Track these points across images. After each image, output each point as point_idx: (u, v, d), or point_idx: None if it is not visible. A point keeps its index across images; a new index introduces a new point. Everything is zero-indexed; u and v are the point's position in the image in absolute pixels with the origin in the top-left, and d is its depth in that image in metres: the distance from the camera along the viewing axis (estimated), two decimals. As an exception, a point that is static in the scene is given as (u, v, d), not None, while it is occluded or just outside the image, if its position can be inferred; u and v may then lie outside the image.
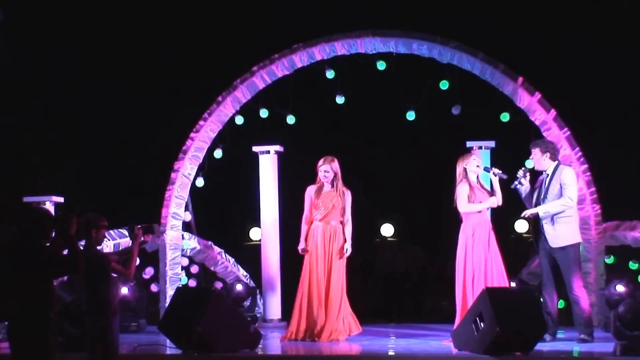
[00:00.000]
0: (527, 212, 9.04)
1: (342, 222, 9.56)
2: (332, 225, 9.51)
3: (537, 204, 9.05)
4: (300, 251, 9.56)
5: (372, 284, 14.14)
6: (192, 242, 11.80)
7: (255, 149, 11.59)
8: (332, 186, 9.52)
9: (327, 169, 9.50)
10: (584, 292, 9.09)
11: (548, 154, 9.09)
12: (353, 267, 13.12)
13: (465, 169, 9.12)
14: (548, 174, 9.08)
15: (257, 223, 12.04)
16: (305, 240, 9.53)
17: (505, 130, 11.01)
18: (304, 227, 9.60)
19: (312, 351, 8.78)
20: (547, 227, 8.96)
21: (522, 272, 11.04)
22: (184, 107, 12.26)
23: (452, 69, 11.08)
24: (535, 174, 9.28)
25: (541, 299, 9.13)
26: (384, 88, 11.43)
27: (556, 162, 9.14)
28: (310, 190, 9.57)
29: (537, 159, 9.13)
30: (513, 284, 10.22)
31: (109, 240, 11.01)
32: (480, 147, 10.82)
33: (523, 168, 9.21)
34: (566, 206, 8.94)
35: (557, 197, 8.97)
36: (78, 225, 6.73)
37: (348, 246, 9.51)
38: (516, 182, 9.13)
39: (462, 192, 9.05)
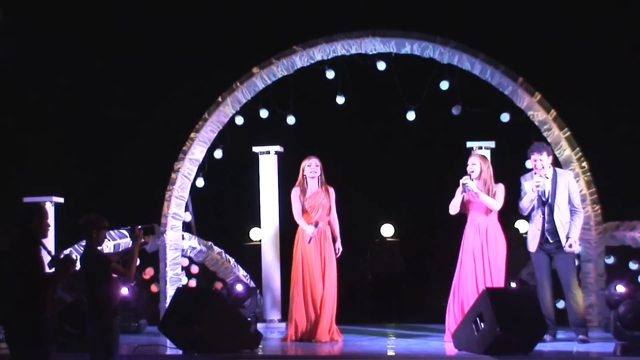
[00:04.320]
0: (577, 248, 9.21)
1: (329, 222, 9.58)
2: (319, 227, 9.52)
3: (544, 209, 9.06)
4: (313, 234, 9.38)
5: (371, 283, 14.13)
6: (192, 242, 11.80)
7: (255, 149, 11.59)
8: (318, 184, 9.53)
9: (317, 163, 9.52)
10: (580, 291, 9.19)
11: (552, 157, 9.19)
12: (352, 267, 13.15)
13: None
14: (547, 177, 9.10)
15: (257, 223, 12.04)
16: (297, 240, 9.55)
17: (505, 130, 11.01)
18: (300, 219, 9.55)
19: (312, 351, 8.79)
20: (559, 230, 9.03)
21: (522, 272, 11.04)
22: (184, 107, 12.25)
23: (452, 69, 11.08)
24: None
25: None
26: (384, 88, 11.43)
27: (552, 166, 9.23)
28: (297, 192, 9.56)
29: (547, 163, 9.11)
30: (513, 284, 10.23)
31: (109, 240, 11.01)
32: (480, 147, 10.83)
33: (464, 182, 9.02)
34: (581, 217, 9.14)
35: (567, 203, 9.06)
36: (79, 225, 6.76)
37: (339, 245, 9.55)
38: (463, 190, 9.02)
39: (456, 193, 9.10)
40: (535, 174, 9.11)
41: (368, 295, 13.96)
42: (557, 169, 9.28)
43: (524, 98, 10.85)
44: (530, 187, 9.07)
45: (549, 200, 9.04)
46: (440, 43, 11.02)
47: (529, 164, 10.05)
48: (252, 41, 12.53)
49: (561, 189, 9.05)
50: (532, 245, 9.14)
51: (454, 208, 9.05)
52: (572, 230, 9.02)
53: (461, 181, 8.99)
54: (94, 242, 6.82)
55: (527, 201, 9.09)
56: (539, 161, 9.09)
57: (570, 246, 9.00)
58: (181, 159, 11.65)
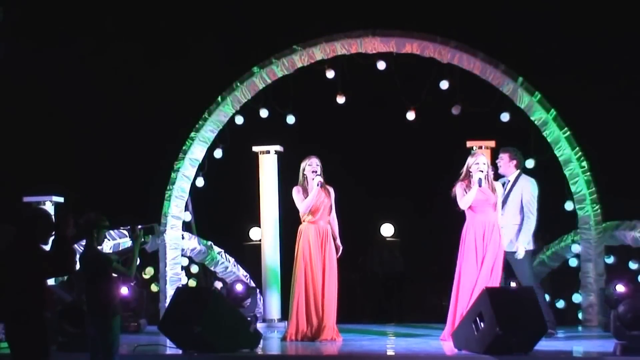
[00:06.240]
0: (521, 253, 9.19)
1: (329, 222, 9.58)
2: (321, 226, 9.51)
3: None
4: (319, 183, 9.35)
5: (371, 283, 14.13)
6: (192, 242, 11.81)
7: (255, 149, 11.60)
8: (319, 184, 9.52)
9: (317, 162, 9.50)
10: (541, 292, 9.33)
11: (515, 162, 9.43)
12: (352, 267, 13.14)
13: (468, 169, 9.11)
14: (509, 180, 9.35)
15: (257, 223, 12.04)
16: (299, 239, 9.51)
17: (505, 130, 11.02)
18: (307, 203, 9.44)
19: (312, 351, 8.79)
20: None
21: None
22: (184, 107, 12.25)
23: (452, 69, 11.08)
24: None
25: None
26: (384, 88, 11.43)
27: (518, 170, 9.35)
28: (299, 191, 9.55)
29: (504, 164, 9.44)
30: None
31: (109, 240, 11.01)
32: (480, 147, 10.83)
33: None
34: (533, 224, 9.23)
35: (517, 206, 9.24)
36: (79, 224, 6.75)
37: (339, 243, 9.55)
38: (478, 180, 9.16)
39: (457, 191, 9.10)
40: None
41: (368, 295, 13.96)
42: (523, 175, 9.44)
43: (523, 98, 10.86)
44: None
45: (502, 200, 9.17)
46: (440, 43, 11.02)
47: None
48: (252, 41, 12.53)
49: (515, 193, 9.28)
50: None
51: (466, 203, 9.07)
52: (520, 235, 9.18)
53: (475, 181, 9.00)
54: (94, 241, 6.83)
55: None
56: (499, 160, 9.47)
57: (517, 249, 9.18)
58: (181, 158, 11.66)
